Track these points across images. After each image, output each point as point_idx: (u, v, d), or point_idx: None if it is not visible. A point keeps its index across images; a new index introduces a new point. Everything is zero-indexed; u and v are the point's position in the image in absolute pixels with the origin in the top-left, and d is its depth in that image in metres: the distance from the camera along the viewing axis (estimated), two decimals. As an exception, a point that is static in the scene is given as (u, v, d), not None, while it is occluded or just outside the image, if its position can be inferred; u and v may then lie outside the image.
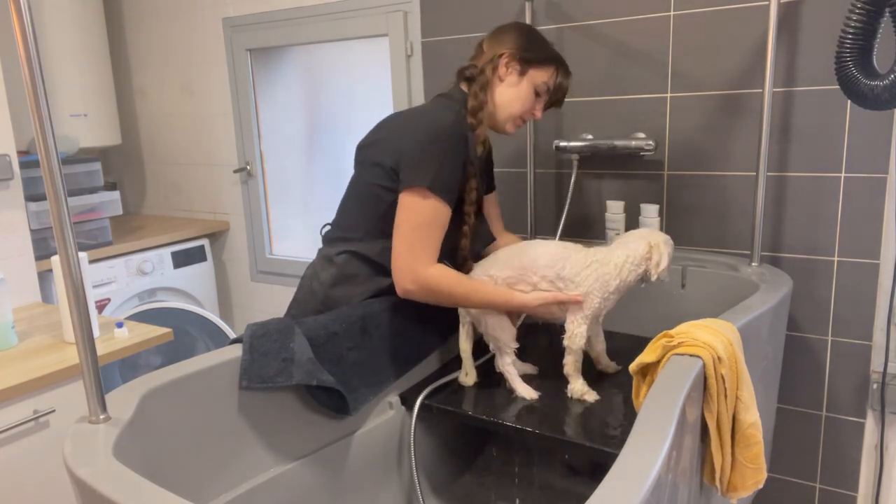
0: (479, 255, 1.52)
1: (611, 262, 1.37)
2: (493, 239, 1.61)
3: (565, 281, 1.37)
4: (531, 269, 1.38)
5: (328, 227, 1.52)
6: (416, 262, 1.32)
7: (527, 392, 1.41)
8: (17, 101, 1.80)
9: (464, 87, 1.48)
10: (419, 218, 1.33)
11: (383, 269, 1.41)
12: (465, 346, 1.47)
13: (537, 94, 1.49)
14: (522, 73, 1.46)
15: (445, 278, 1.34)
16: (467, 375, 1.48)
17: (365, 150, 1.46)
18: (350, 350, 1.35)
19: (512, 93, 1.47)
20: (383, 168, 1.38)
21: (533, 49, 1.47)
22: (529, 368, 1.51)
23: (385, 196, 1.39)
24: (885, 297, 1.59)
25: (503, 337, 1.42)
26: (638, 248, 1.38)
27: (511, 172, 2.02)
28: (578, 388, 1.39)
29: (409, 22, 2.11)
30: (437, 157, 1.34)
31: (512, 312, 1.43)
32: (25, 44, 0.89)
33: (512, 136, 1.57)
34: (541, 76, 1.47)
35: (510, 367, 1.43)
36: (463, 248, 1.46)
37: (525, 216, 2.00)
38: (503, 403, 1.39)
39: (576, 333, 1.38)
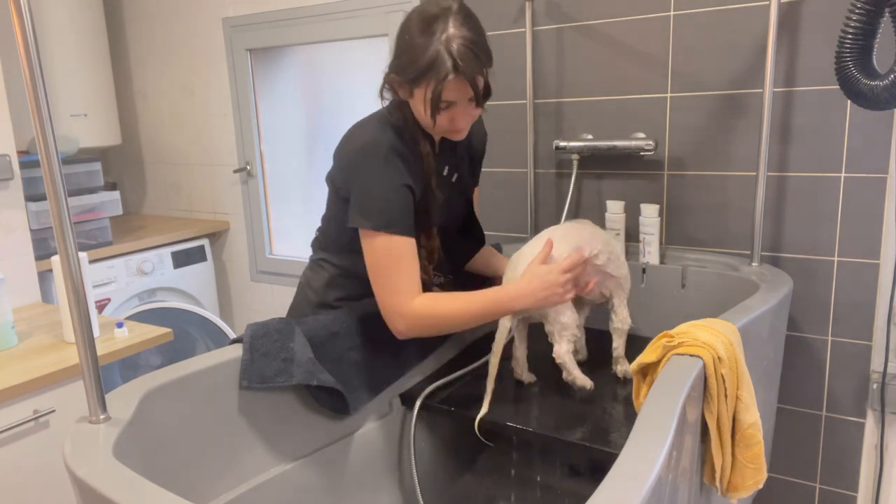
0: (458, 269, 1.52)
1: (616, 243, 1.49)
2: (472, 254, 1.57)
3: (616, 262, 1.43)
4: (587, 246, 1.38)
5: (317, 232, 1.51)
6: (398, 303, 1.27)
7: (586, 381, 1.37)
8: (17, 101, 1.80)
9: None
10: (381, 259, 1.27)
11: (367, 282, 1.41)
12: (520, 353, 1.44)
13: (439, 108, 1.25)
14: (410, 93, 1.27)
15: (435, 304, 1.28)
16: (523, 375, 1.47)
17: (329, 177, 1.40)
18: (350, 350, 1.35)
19: (415, 109, 1.29)
20: (341, 199, 1.34)
21: (403, 68, 1.24)
22: (530, 377, 1.50)
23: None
24: (885, 297, 1.59)
25: (570, 322, 1.35)
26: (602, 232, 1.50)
27: (511, 172, 2.02)
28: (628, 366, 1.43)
29: (409, 22, 2.11)
30: (377, 189, 1.26)
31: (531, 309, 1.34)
32: (25, 44, 0.89)
33: (460, 138, 1.35)
34: (420, 94, 1.24)
35: (569, 356, 1.36)
36: (424, 271, 1.40)
37: (525, 216, 2.00)
38: (503, 403, 1.39)
39: (626, 316, 1.45)
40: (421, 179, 1.33)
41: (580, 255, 1.33)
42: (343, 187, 1.32)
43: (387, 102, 1.35)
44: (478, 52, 1.22)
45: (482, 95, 1.25)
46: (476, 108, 1.28)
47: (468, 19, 1.23)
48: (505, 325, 1.36)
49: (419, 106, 1.26)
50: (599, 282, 1.44)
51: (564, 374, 1.37)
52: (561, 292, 1.30)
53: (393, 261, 1.27)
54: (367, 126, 1.34)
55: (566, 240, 1.36)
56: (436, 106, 1.23)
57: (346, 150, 1.33)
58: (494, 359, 1.36)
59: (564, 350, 1.34)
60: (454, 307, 1.29)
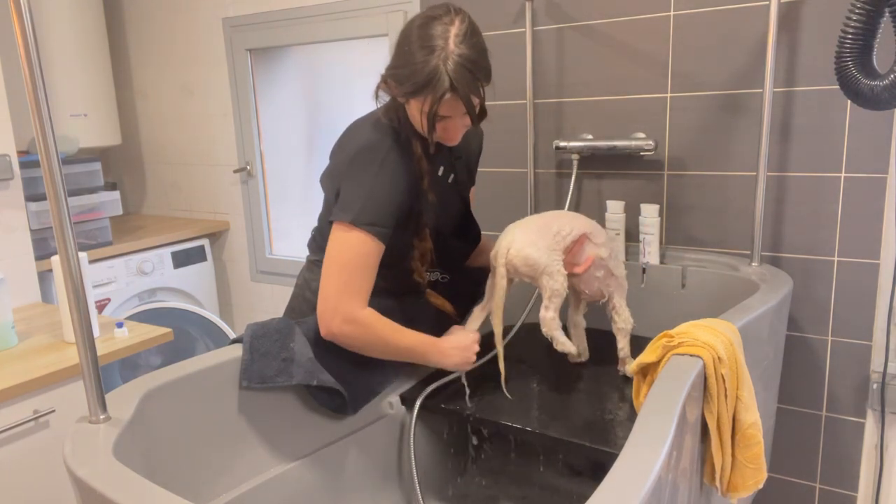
0: (457, 270, 1.51)
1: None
2: (468, 253, 1.57)
3: (616, 259, 1.46)
4: (590, 236, 1.41)
5: (314, 232, 1.50)
6: (348, 304, 1.24)
7: (570, 346, 1.38)
8: (17, 101, 1.80)
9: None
10: (348, 255, 1.25)
11: None
12: (498, 311, 1.39)
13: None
14: (406, 100, 1.26)
15: (377, 321, 1.27)
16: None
17: (323, 178, 1.40)
18: (350, 350, 1.35)
19: (410, 114, 1.29)
20: (335, 196, 1.32)
21: (400, 80, 1.23)
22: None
23: None
24: (885, 297, 1.59)
25: (560, 289, 1.35)
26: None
27: (511, 172, 2.02)
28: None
29: (409, 22, 2.11)
30: (367, 188, 1.25)
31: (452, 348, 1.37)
32: (25, 44, 0.89)
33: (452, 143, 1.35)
34: (416, 105, 1.24)
35: (556, 322, 1.37)
36: (417, 273, 1.41)
37: (525, 216, 1.99)
38: (503, 403, 1.39)
39: (628, 315, 1.47)
40: (414, 181, 1.33)
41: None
42: (336, 186, 1.31)
43: (381, 102, 1.35)
44: (475, 71, 1.20)
45: (477, 115, 1.25)
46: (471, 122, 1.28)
47: (469, 36, 1.21)
48: (502, 284, 1.36)
49: (414, 113, 1.27)
50: (601, 278, 1.45)
51: (555, 344, 1.39)
52: (469, 357, 1.38)
53: (360, 260, 1.25)
54: (364, 127, 1.34)
55: (570, 222, 1.39)
56: (431, 122, 1.22)
57: (344, 151, 1.33)
58: (497, 318, 1.38)
59: (551, 316, 1.37)
60: (388, 332, 1.30)
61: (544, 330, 1.38)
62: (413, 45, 1.21)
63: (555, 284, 1.35)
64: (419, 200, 1.35)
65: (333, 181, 1.32)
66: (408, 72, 1.21)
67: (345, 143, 1.35)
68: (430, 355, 1.35)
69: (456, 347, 1.37)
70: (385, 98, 1.35)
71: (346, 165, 1.29)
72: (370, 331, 1.27)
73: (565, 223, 1.38)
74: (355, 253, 1.25)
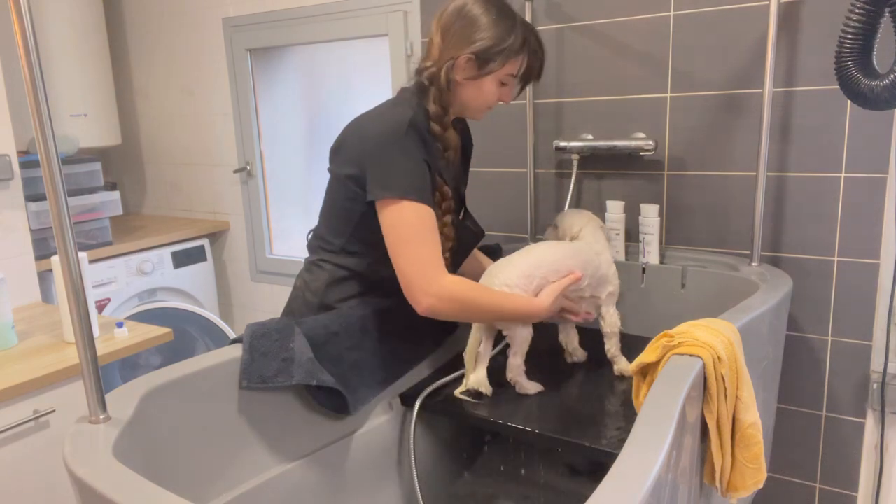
0: (460, 261, 1.51)
1: (605, 254, 1.49)
2: (475, 243, 1.56)
3: (602, 283, 1.45)
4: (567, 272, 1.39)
5: (312, 234, 1.49)
6: (426, 277, 1.24)
7: (537, 387, 1.41)
8: (17, 101, 1.80)
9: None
10: (406, 230, 1.25)
11: (368, 281, 1.40)
12: (472, 348, 1.40)
13: (504, 84, 1.38)
14: (484, 73, 1.34)
15: (465, 286, 1.28)
16: (469, 382, 1.42)
17: (333, 158, 1.40)
18: (350, 350, 1.35)
19: (473, 91, 1.36)
20: (351, 179, 1.33)
21: (490, 48, 1.32)
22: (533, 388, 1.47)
23: (356, 209, 1.34)
24: (885, 297, 1.59)
25: (529, 337, 1.39)
26: (595, 235, 1.53)
27: (511, 172, 2.02)
28: (625, 365, 1.46)
29: (409, 22, 2.11)
30: (400, 161, 1.27)
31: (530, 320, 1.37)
32: (25, 44, 0.89)
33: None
34: (507, 69, 1.35)
35: (520, 369, 1.40)
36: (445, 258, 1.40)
37: (525, 216, 2.00)
38: (503, 403, 1.39)
39: (615, 320, 1.48)
40: (437, 163, 1.34)
41: (574, 277, 1.39)
42: (356, 166, 1.31)
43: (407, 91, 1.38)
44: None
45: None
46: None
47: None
48: (476, 336, 1.39)
49: (488, 83, 1.35)
50: (588, 302, 1.47)
51: (518, 388, 1.41)
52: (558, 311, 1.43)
53: (419, 231, 1.26)
54: (391, 108, 1.35)
55: (555, 270, 1.38)
56: (525, 73, 1.38)
57: (367, 132, 1.33)
58: (469, 363, 1.41)
59: (517, 363, 1.40)
60: (486, 297, 1.31)
61: (509, 375, 1.41)
62: (494, 20, 1.32)
63: (524, 333, 1.37)
64: (444, 187, 1.37)
65: (354, 162, 1.32)
66: (496, 41, 1.32)
67: (366, 127, 1.34)
68: (534, 312, 1.34)
69: (546, 307, 1.35)
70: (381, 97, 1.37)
71: (371, 146, 1.30)
72: (461, 297, 1.27)
73: (545, 275, 1.36)
74: (411, 226, 1.26)
